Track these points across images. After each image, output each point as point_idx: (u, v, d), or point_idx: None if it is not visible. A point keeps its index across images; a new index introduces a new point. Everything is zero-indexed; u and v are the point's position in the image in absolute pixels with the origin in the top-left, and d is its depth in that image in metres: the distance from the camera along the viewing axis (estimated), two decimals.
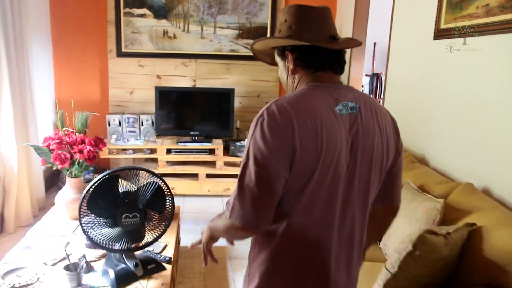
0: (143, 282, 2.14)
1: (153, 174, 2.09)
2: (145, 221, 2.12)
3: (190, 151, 4.21)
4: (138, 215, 2.06)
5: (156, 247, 2.47)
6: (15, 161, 3.24)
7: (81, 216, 2.03)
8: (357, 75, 4.10)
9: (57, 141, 2.62)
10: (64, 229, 2.58)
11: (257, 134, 1.03)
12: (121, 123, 4.27)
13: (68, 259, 2.10)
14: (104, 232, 2.08)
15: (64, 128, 2.69)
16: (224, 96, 4.28)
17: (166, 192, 2.16)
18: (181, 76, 4.50)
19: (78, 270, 2.07)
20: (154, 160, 4.28)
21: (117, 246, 2.11)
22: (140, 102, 4.53)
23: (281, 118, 1.02)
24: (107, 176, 1.99)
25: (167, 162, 4.25)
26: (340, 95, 1.09)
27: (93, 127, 4.54)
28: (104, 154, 4.13)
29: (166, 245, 2.52)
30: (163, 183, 2.12)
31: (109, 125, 4.26)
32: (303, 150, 1.01)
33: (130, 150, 4.20)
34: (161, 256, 2.37)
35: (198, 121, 4.42)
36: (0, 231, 3.37)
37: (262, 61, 1.34)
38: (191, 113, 4.40)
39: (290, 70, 1.16)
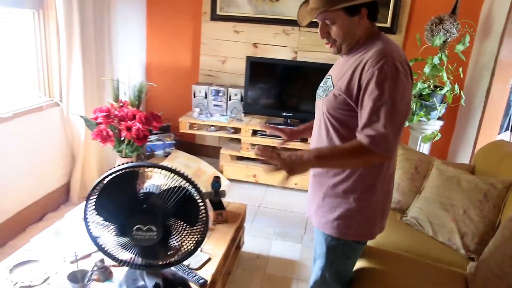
0: None
1: (182, 177, 1.53)
2: (166, 237, 1.59)
3: (279, 135, 3.59)
4: (154, 229, 1.53)
5: (194, 261, 1.95)
6: (82, 128, 2.98)
7: (86, 217, 1.57)
8: (509, 57, 3.00)
9: (105, 113, 2.23)
10: None
11: (395, 78, 1.31)
12: (207, 95, 3.82)
13: (77, 264, 1.68)
14: (116, 239, 1.60)
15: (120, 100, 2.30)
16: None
17: (199, 202, 1.59)
18: (281, 46, 3.86)
19: (85, 282, 1.65)
20: (238, 141, 3.76)
21: (125, 258, 1.64)
22: (232, 73, 4.01)
23: (406, 67, 1.37)
24: (119, 172, 1.49)
25: (252, 145, 3.70)
26: None
27: (178, 98, 4.29)
28: (184, 128, 3.73)
29: (209, 259, 1.99)
30: (194, 189, 1.56)
31: (194, 96, 3.84)
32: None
33: (213, 127, 3.74)
34: (195, 275, 1.85)
35: (293, 101, 3.75)
36: (66, 200, 3.19)
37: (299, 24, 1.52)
38: (286, 90, 3.74)
39: (360, 23, 1.41)
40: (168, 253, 1.64)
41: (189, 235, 1.62)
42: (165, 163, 3.47)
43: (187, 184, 1.54)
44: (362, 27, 1.41)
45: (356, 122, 1.39)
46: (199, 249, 2.03)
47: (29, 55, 2.79)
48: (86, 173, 3.14)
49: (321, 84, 1.60)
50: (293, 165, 1.35)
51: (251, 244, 2.78)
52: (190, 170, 3.44)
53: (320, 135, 1.54)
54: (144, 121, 2.21)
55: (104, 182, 1.50)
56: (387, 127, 1.29)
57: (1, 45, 2.57)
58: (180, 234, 1.62)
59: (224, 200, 2.59)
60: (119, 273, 1.83)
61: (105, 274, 1.81)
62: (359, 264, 1.80)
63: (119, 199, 1.52)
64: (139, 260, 1.65)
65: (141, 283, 1.71)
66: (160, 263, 1.66)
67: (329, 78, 1.54)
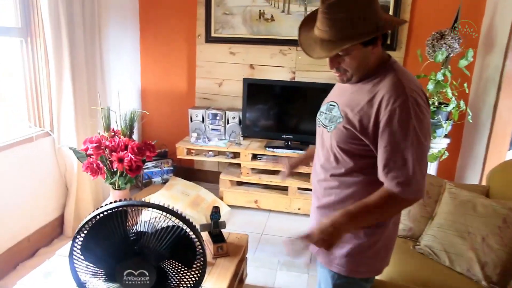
0: None
1: (177, 216, 1.40)
2: (161, 280, 1.45)
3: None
4: (147, 273, 1.39)
5: None
6: (75, 159, 2.85)
7: (72, 260, 1.43)
8: None
9: (95, 144, 2.10)
10: None
11: (418, 115, 1.21)
12: (204, 119, 3.70)
13: None
14: (105, 285, 1.46)
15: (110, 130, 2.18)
16: (328, 93, 3.39)
17: (196, 243, 1.45)
18: (279, 67, 3.76)
19: None
20: (238, 166, 3.63)
21: None
22: (230, 96, 3.91)
23: (425, 98, 1.28)
24: (107, 212, 1.36)
25: (252, 169, 3.57)
26: None
27: (175, 122, 4.16)
28: (181, 154, 3.61)
29: None
30: (190, 230, 1.42)
31: (191, 121, 3.73)
32: None
33: (211, 152, 3.62)
34: None
35: (293, 122, 3.63)
36: (60, 233, 3.04)
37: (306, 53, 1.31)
38: (285, 111, 3.62)
39: (373, 52, 1.29)
40: None
41: (186, 276, 1.49)
42: (162, 191, 3.34)
43: (181, 223, 1.40)
44: (374, 55, 1.30)
45: (370, 151, 1.28)
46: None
47: (18, 84, 2.69)
48: (80, 205, 3.00)
49: (323, 110, 1.47)
50: (329, 241, 1.25)
51: (254, 276, 2.62)
52: (189, 198, 3.30)
53: (328, 162, 1.41)
54: (136, 152, 2.09)
55: (90, 224, 1.37)
56: (415, 169, 1.21)
57: None
58: (176, 277, 1.48)
59: (225, 231, 2.45)
60: None
61: None
62: None
63: (108, 242, 1.39)
64: None
65: None
66: None
67: (334, 106, 1.39)
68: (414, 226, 2.23)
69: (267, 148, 3.50)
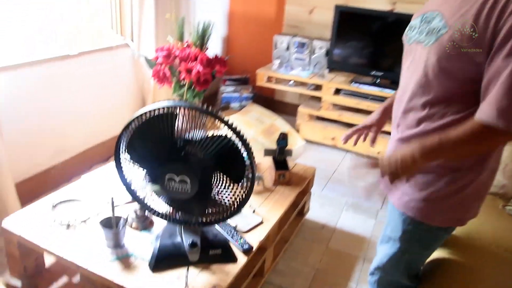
0: (193, 271, 1.46)
1: (226, 124, 1.27)
2: (204, 193, 1.37)
3: (366, 96, 3.19)
4: (188, 181, 1.31)
5: (243, 223, 1.74)
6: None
7: (119, 156, 1.41)
8: None
9: (165, 52, 2.04)
10: None
11: None
12: (289, 47, 3.50)
13: (112, 209, 1.54)
14: (149, 187, 1.43)
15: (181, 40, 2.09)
16: None
17: (243, 155, 1.33)
18: None
19: (118, 228, 1.52)
20: (318, 100, 3.42)
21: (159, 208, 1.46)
22: (319, 25, 3.62)
23: None
24: (153, 111, 1.28)
25: (334, 105, 3.34)
26: None
27: (259, 49, 3.99)
28: (261, 80, 3.48)
29: (260, 223, 1.76)
30: (240, 140, 1.30)
31: (275, 48, 3.54)
32: None
33: (292, 82, 3.44)
34: (240, 238, 1.63)
35: (386, 59, 3.28)
36: None
37: None
38: (378, 46, 3.27)
39: None
40: (206, 211, 1.43)
41: (231, 192, 1.39)
42: (237, 115, 3.27)
43: (231, 133, 1.28)
44: None
45: (476, 73, 1.01)
46: (252, 211, 1.82)
47: None
48: None
49: (416, 23, 1.18)
50: (397, 171, 1.08)
51: (317, 213, 2.50)
52: (263, 125, 3.20)
53: (421, 87, 1.14)
54: (205, 64, 2.00)
55: (138, 121, 1.31)
56: None
57: None
58: (220, 191, 1.39)
59: (294, 162, 2.33)
60: (161, 225, 1.67)
61: (144, 223, 1.66)
62: (437, 254, 1.44)
63: (154, 144, 1.33)
64: (175, 214, 1.47)
65: (177, 239, 1.53)
66: (198, 220, 1.46)
67: (436, 15, 1.10)
68: (509, 183, 1.91)
69: (352, 83, 3.23)
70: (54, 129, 2.44)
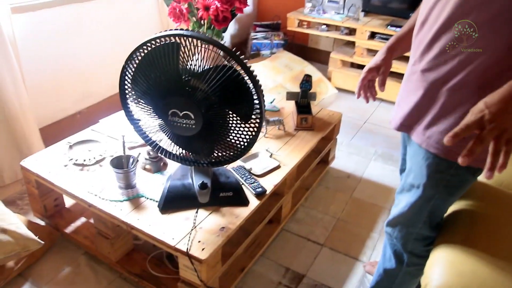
0: (203, 212, 1.42)
1: (232, 55, 1.17)
2: (211, 130, 1.30)
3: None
4: (192, 117, 1.24)
5: (258, 166, 1.67)
6: None
7: (122, 91, 1.35)
8: None
9: None
10: None
11: None
12: None
13: (123, 149, 1.51)
14: (154, 123, 1.37)
15: None
16: None
17: (251, 90, 1.24)
18: None
19: (128, 168, 1.49)
20: (352, 46, 3.22)
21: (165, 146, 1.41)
22: None
23: None
24: (156, 39, 1.20)
25: (368, 50, 3.14)
26: None
27: None
28: (292, 25, 3.30)
29: (277, 167, 1.69)
30: (245, 72, 1.20)
31: None
32: None
33: (324, 26, 3.25)
34: (255, 181, 1.57)
35: None
36: None
37: None
38: None
39: None
40: (214, 150, 1.36)
41: (238, 130, 1.31)
42: (265, 62, 3.15)
43: (236, 65, 1.18)
44: None
45: None
46: (269, 155, 1.74)
47: None
48: None
49: None
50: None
51: (344, 161, 2.40)
52: (292, 72, 3.07)
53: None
54: (224, 0, 1.88)
55: (141, 52, 1.24)
56: None
57: None
58: (229, 129, 1.31)
59: (321, 106, 2.21)
60: (174, 167, 1.64)
61: (157, 165, 1.63)
62: (463, 203, 1.32)
63: (157, 77, 1.26)
64: (182, 153, 1.42)
65: (188, 180, 1.49)
66: (208, 160, 1.40)
67: None
68: None
69: (389, 27, 3.00)
70: (80, 73, 2.42)
